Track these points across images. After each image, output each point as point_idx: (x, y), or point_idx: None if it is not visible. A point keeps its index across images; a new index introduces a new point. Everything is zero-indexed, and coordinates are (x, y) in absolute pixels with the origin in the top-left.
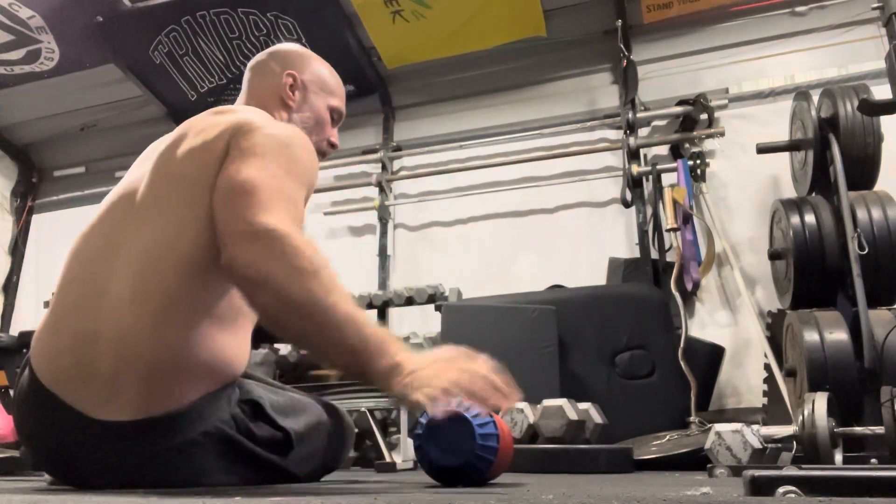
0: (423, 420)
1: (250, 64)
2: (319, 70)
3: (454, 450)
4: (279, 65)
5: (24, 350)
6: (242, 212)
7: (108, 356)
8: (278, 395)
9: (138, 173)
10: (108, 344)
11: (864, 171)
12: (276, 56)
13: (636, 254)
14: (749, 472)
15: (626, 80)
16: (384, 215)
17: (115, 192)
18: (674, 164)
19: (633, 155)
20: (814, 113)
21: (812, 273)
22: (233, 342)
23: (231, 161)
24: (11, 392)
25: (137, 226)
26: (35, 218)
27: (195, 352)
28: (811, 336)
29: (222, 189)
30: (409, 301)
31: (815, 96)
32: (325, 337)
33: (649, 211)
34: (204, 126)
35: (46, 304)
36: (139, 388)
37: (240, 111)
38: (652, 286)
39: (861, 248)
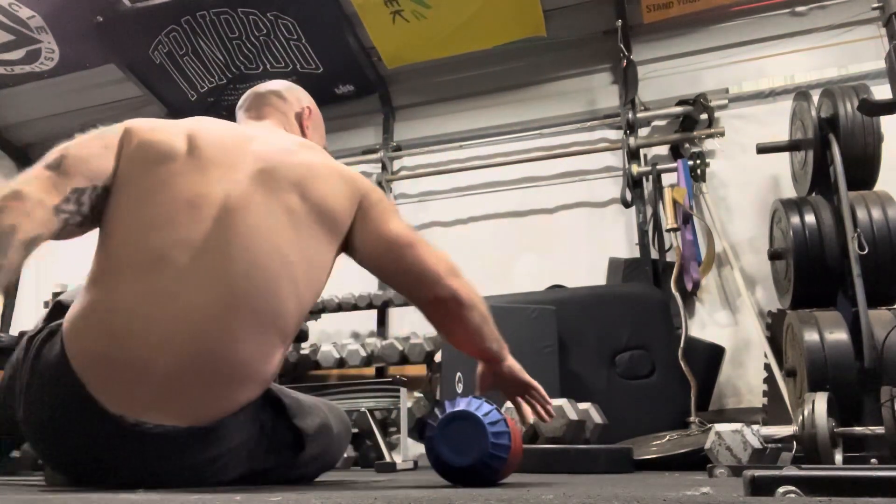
0: (430, 421)
1: (270, 88)
2: (319, 113)
3: (466, 449)
4: (296, 96)
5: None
6: (438, 256)
7: (174, 360)
8: (287, 396)
9: (239, 188)
10: (179, 347)
11: (864, 171)
12: (294, 88)
13: (636, 254)
14: (749, 472)
15: (626, 80)
16: None
17: (196, 192)
18: (674, 164)
19: (633, 155)
20: (814, 113)
21: (812, 273)
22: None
23: (388, 214)
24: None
25: (247, 244)
26: None
27: (264, 367)
28: (811, 336)
29: (404, 238)
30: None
31: (815, 96)
32: (491, 331)
33: (649, 211)
34: (323, 171)
35: (46, 305)
36: (198, 396)
37: (318, 149)
38: (652, 286)
39: (861, 248)
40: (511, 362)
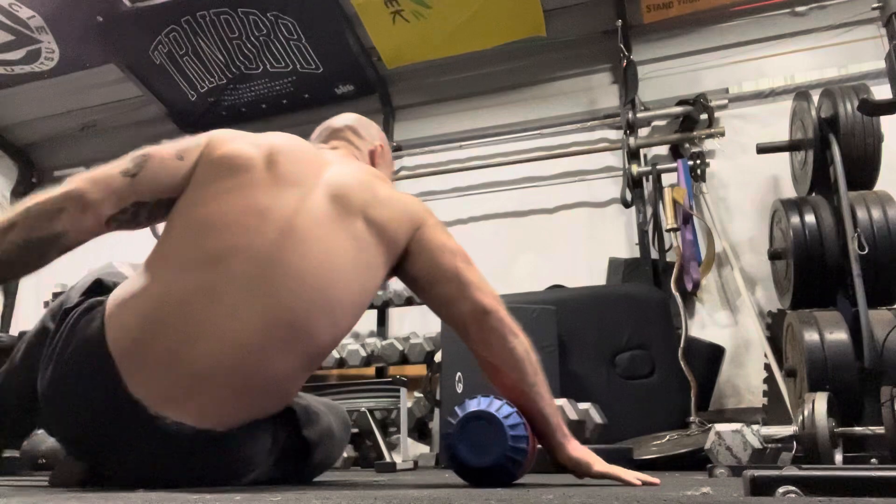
0: (452, 420)
1: (347, 123)
2: (390, 151)
3: (485, 449)
4: (370, 133)
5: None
6: (484, 280)
7: (205, 359)
8: (296, 402)
9: (309, 207)
10: (213, 347)
11: (864, 171)
12: (369, 125)
13: (636, 254)
14: (749, 472)
15: (626, 80)
16: None
17: (266, 204)
18: (674, 164)
19: (633, 155)
20: (814, 113)
21: (812, 273)
22: None
23: (440, 230)
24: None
25: (305, 263)
26: None
27: (290, 386)
28: (811, 336)
29: (458, 257)
30: (409, 301)
31: (815, 96)
32: (536, 380)
33: (649, 211)
34: (388, 199)
35: (46, 305)
36: (221, 399)
37: (385, 179)
38: (652, 286)
39: (861, 248)
40: (575, 453)
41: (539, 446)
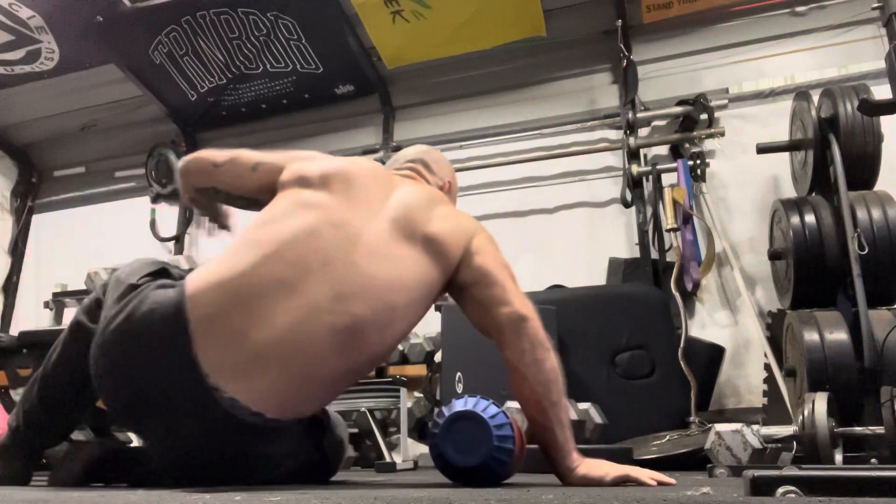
0: (438, 419)
1: (420, 157)
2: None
3: (471, 449)
4: (441, 169)
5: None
6: (524, 294)
7: (268, 342)
8: (325, 414)
9: (378, 225)
10: (277, 334)
11: (864, 171)
12: (440, 161)
13: (636, 254)
14: (749, 472)
15: (626, 80)
16: None
17: (341, 218)
18: (674, 164)
19: (633, 155)
20: (814, 113)
21: (812, 273)
22: None
23: (490, 244)
24: (12, 392)
25: (369, 280)
26: (35, 218)
27: (330, 394)
28: (811, 336)
29: (504, 269)
30: None
31: (815, 96)
32: (554, 398)
33: (649, 211)
34: (450, 219)
35: (46, 305)
36: (274, 384)
37: (449, 203)
38: (652, 286)
39: (861, 248)
40: (582, 470)
41: (532, 446)
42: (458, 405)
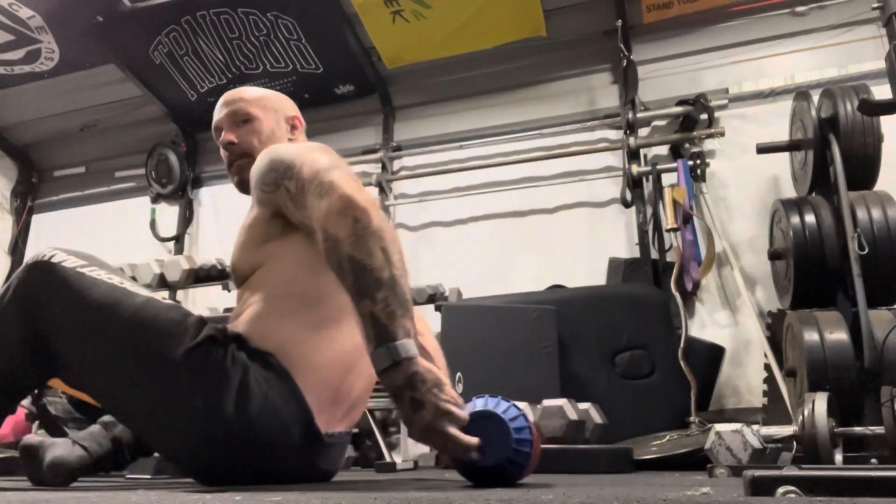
0: None
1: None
2: None
3: (490, 449)
4: None
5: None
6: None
7: (365, 392)
8: None
9: None
10: (366, 381)
11: (864, 171)
12: None
13: (636, 254)
14: (749, 472)
15: (626, 80)
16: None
17: None
18: (674, 164)
19: (633, 155)
20: (814, 113)
21: (812, 273)
22: None
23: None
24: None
25: None
26: (35, 218)
27: None
28: (811, 336)
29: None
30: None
31: (815, 96)
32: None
33: (649, 211)
34: None
35: None
36: (360, 410)
37: None
38: (652, 286)
39: (861, 248)
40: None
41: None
42: (479, 404)
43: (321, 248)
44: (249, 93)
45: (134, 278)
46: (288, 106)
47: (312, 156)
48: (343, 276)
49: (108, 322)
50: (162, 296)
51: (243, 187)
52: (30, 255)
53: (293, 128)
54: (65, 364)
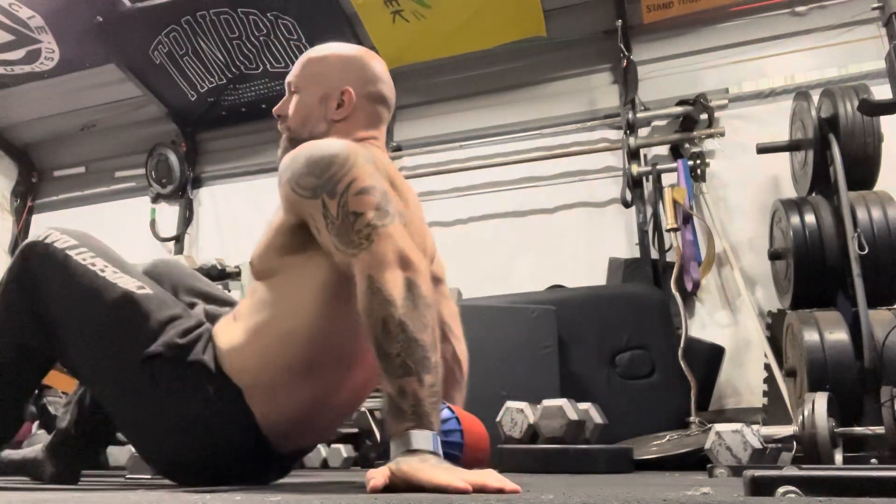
0: None
1: None
2: None
3: None
4: None
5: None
6: None
7: (333, 418)
8: None
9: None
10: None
11: (864, 171)
12: None
13: (636, 254)
14: (749, 472)
15: (626, 80)
16: None
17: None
18: (674, 164)
19: (633, 155)
20: (814, 113)
21: (812, 273)
22: None
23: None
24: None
25: None
26: (35, 218)
27: None
28: (811, 336)
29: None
30: None
31: (815, 96)
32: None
33: (649, 211)
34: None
35: None
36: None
37: None
38: (652, 286)
39: (861, 248)
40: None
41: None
42: None
43: (360, 292)
44: (309, 53)
45: None
46: (340, 76)
47: (363, 180)
48: (386, 339)
49: (88, 313)
50: (138, 285)
51: None
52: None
53: (339, 105)
54: (61, 345)
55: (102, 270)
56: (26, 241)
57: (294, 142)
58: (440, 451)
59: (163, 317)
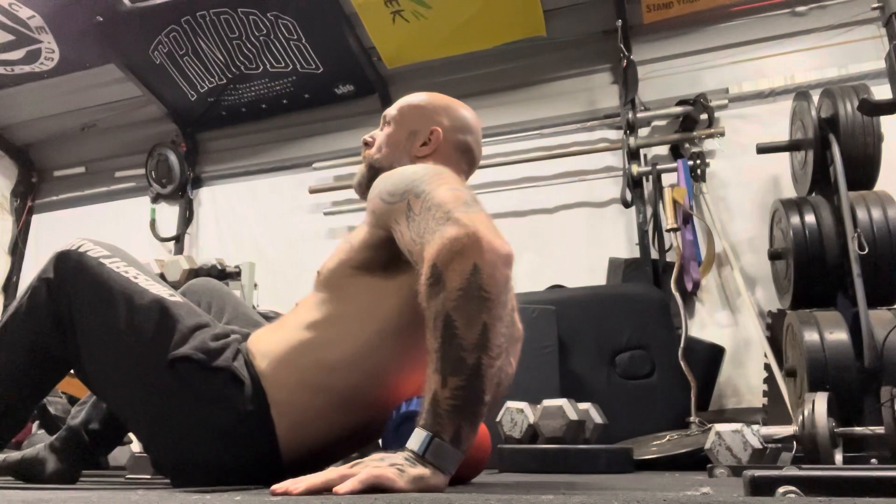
0: (388, 421)
1: None
2: None
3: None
4: None
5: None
6: None
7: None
8: None
9: None
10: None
11: (864, 171)
12: None
13: (636, 254)
14: (749, 472)
15: (626, 80)
16: None
17: None
18: (674, 164)
19: (633, 155)
20: (814, 113)
21: (812, 273)
22: None
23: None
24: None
25: None
26: (35, 218)
27: None
28: (811, 336)
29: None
30: None
31: (815, 96)
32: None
33: (649, 211)
34: None
35: None
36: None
37: None
38: (652, 286)
39: (861, 248)
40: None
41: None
42: (404, 407)
43: (421, 281)
44: (411, 95)
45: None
46: (433, 117)
47: (450, 182)
48: (429, 332)
49: (117, 315)
50: (170, 293)
51: (360, 189)
52: (32, 253)
53: (424, 143)
54: (78, 351)
55: (136, 277)
56: (59, 249)
57: (373, 170)
58: (427, 454)
59: (192, 323)
